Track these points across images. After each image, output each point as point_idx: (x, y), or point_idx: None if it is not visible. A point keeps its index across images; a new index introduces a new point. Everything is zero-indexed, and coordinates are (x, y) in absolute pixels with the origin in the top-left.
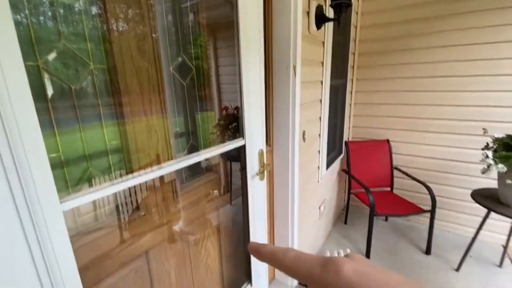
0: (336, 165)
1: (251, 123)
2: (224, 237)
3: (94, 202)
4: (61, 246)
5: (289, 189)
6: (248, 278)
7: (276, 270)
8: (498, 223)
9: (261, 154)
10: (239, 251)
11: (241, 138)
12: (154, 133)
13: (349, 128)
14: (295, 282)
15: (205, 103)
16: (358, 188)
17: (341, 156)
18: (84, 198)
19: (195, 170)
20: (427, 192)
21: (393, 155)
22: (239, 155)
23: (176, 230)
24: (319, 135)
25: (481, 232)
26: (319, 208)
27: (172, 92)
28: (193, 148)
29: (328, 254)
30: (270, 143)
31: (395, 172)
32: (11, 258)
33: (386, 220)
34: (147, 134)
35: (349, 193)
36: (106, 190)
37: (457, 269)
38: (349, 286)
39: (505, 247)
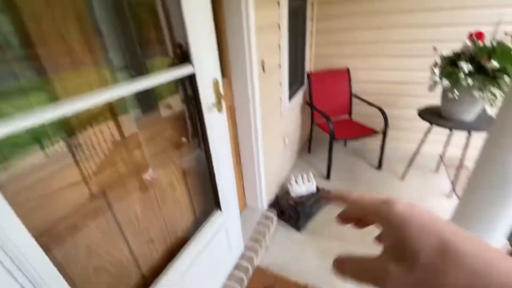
0: (299, 97)
1: (200, 47)
2: (192, 174)
3: (37, 141)
4: None
5: (252, 122)
6: (217, 206)
7: (248, 199)
8: (437, 137)
9: (215, 84)
10: (206, 184)
11: (189, 65)
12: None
13: (310, 58)
14: (265, 205)
15: (154, 44)
16: (320, 119)
17: (304, 88)
18: None
19: (154, 112)
20: (383, 117)
21: (352, 83)
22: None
23: (137, 169)
24: (279, 65)
25: (423, 146)
26: (283, 140)
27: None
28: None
29: (293, 179)
30: (228, 75)
31: (354, 100)
32: None
33: (345, 145)
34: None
35: (312, 124)
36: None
37: (402, 178)
38: (398, 217)
39: (442, 156)
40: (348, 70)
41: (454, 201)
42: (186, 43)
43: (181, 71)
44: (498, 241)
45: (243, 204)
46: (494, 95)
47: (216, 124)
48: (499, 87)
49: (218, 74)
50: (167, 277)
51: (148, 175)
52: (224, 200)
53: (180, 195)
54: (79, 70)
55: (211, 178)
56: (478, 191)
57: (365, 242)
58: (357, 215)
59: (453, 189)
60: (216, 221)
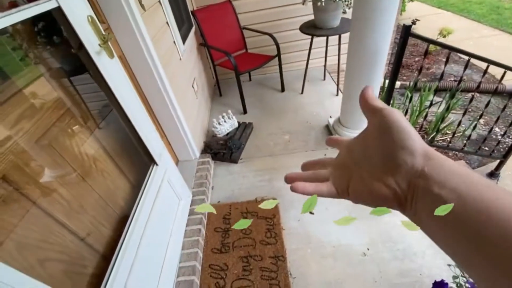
0: (192, 39)
1: None
2: (111, 151)
3: None
4: None
5: (154, 72)
6: (152, 160)
7: (178, 154)
8: (318, 50)
9: (92, 22)
10: (132, 148)
11: None
12: None
13: None
14: (198, 154)
15: None
16: (220, 58)
17: (193, 30)
18: None
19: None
20: (274, 43)
21: (239, 15)
22: (78, 65)
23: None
24: (159, 1)
25: (310, 61)
26: (193, 87)
27: None
28: None
29: (215, 121)
30: (103, 19)
31: (245, 32)
32: None
33: (250, 80)
34: None
35: (214, 67)
36: None
37: (302, 93)
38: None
39: (325, 65)
40: (230, 2)
41: (340, 97)
42: None
43: (42, 5)
44: None
45: (176, 160)
46: None
47: (114, 72)
48: None
49: (90, 12)
50: (126, 245)
51: (49, 176)
52: (155, 152)
53: (111, 172)
54: None
55: (135, 135)
56: (351, 81)
57: (287, 150)
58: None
59: (338, 88)
60: (157, 174)
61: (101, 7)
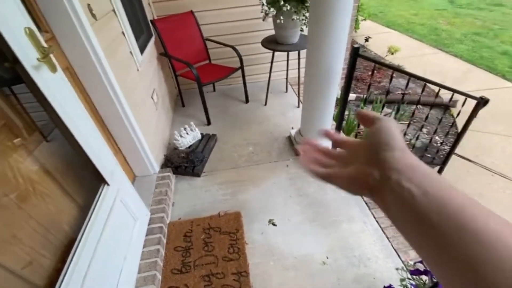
0: (151, 49)
1: None
2: (57, 169)
3: None
4: None
5: (105, 83)
6: (103, 181)
7: (135, 170)
8: (280, 64)
9: (31, 34)
10: (80, 165)
11: None
12: None
13: (149, 4)
14: (157, 169)
15: None
16: (182, 69)
17: (153, 39)
18: None
19: None
20: (237, 55)
21: (202, 27)
22: (14, 76)
23: None
24: (114, 10)
25: (273, 74)
26: (152, 98)
27: None
28: None
29: (176, 134)
30: (46, 28)
31: (209, 44)
32: None
33: (214, 90)
34: None
35: (176, 77)
36: None
37: (265, 104)
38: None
39: (287, 78)
40: (192, 13)
41: (301, 108)
42: None
43: None
44: (328, 121)
45: (132, 176)
46: (305, 16)
47: (57, 87)
48: (308, 10)
49: (30, 23)
50: (71, 274)
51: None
52: (106, 171)
53: (53, 197)
54: None
55: (82, 154)
56: (309, 94)
57: (252, 162)
58: (366, 118)
59: (299, 100)
60: (108, 195)
61: (44, 15)
